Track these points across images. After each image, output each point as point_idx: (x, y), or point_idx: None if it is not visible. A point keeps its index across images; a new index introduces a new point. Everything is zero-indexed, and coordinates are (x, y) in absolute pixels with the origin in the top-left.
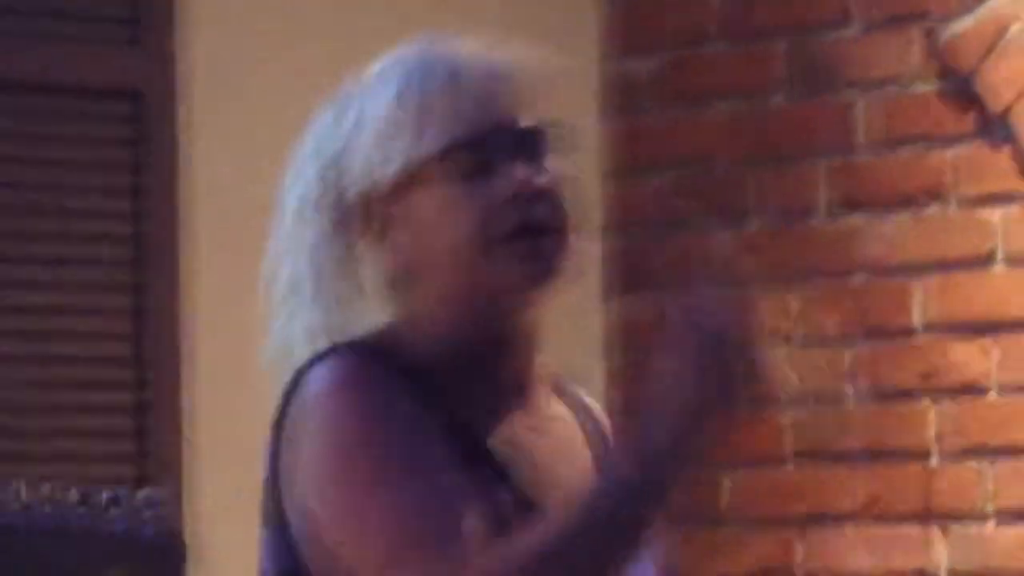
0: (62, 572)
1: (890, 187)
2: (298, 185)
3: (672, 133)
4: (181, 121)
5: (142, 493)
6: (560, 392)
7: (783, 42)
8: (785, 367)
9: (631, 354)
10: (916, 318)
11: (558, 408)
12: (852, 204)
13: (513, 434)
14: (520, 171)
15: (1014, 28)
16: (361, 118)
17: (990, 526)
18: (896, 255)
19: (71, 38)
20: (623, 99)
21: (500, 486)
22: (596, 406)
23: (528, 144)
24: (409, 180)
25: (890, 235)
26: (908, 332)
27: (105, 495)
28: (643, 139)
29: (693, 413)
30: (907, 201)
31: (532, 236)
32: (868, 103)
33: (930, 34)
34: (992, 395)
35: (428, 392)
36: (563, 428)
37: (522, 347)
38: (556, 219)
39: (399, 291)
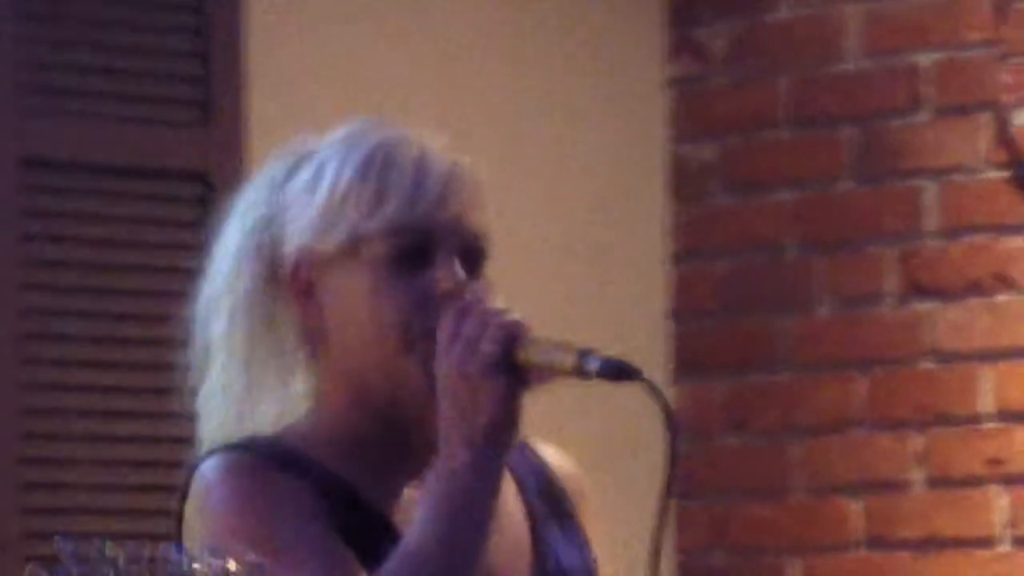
0: None
1: (957, 273)
2: (237, 234)
3: (737, 219)
4: None
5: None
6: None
7: (850, 128)
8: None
9: (696, 440)
10: (983, 406)
11: None
12: (920, 291)
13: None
14: (458, 272)
15: None
16: (316, 180)
17: None
18: (963, 342)
19: (140, 120)
20: (688, 184)
21: (391, 543)
22: (558, 461)
23: (471, 249)
24: (350, 251)
25: (957, 321)
26: (975, 419)
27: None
28: (708, 224)
29: (483, 431)
30: (974, 288)
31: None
32: (936, 190)
33: (999, 122)
34: None
35: (325, 475)
36: None
37: (428, 429)
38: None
39: (312, 356)
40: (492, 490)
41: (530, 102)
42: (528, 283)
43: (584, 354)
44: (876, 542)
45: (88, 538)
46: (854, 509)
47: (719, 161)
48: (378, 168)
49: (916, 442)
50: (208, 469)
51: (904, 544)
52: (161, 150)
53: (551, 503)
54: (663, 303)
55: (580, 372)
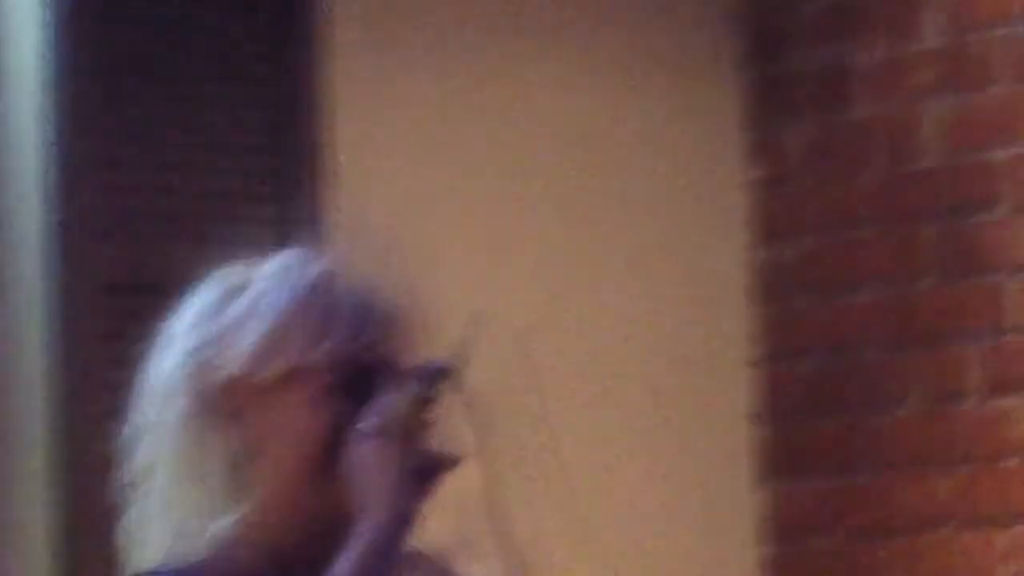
0: None
1: None
2: (171, 358)
3: (821, 318)
4: None
5: None
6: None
7: (931, 225)
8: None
9: (785, 542)
10: None
11: None
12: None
13: None
14: (395, 406)
15: None
16: (256, 307)
17: None
18: None
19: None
20: (771, 285)
21: None
22: None
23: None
24: (286, 381)
25: None
26: None
27: None
28: (792, 325)
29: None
30: None
31: None
32: (1017, 285)
33: None
34: None
35: None
36: None
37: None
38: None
39: (239, 477)
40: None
41: (611, 205)
42: (614, 390)
43: (405, 390)
44: None
45: None
46: None
47: (801, 260)
48: (320, 301)
49: (1003, 538)
50: None
51: None
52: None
53: None
54: (749, 403)
55: (423, 400)
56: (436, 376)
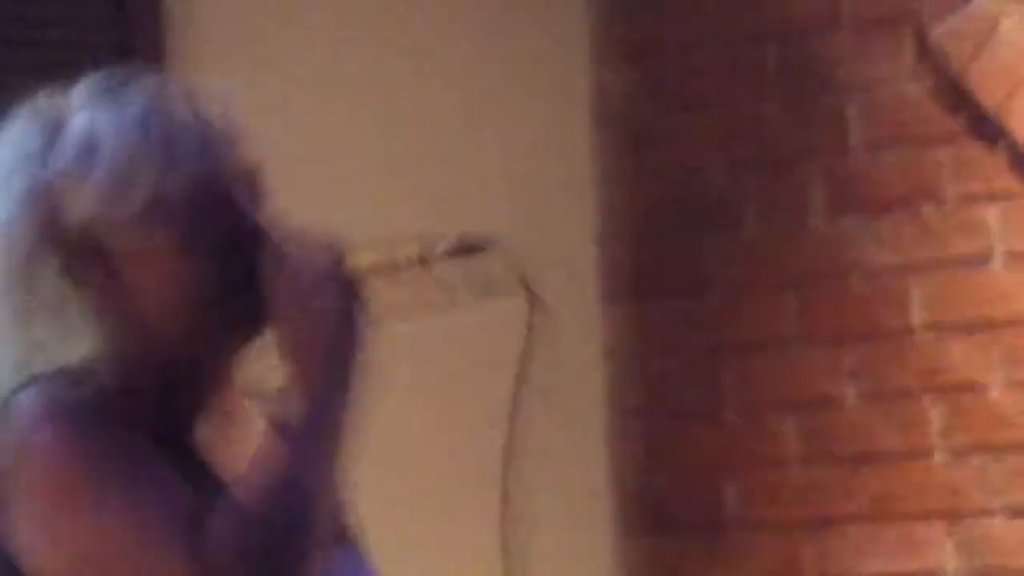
0: None
1: (884, 189)
2: (2, 208)
3: (665, 141)
4: None
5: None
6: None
7: (772, 46)
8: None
9: (631, 362)
10: (914, 319)
11: (251, 411)
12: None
13: (207, 434)
14: (263, 212)
15: (1004, 25)
16: (93, 144)
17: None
18: (892, 257)
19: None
20: (614, 108)
21: (205, 476)
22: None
23: (258, 191)
24: (146, 214)
25: (885, 236)
26: (907, 332)
27: None
28: (635, 148)
29: (329, 344)
30: (901, 202)
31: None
32: (859, 105)
33: (920, 35)
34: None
35: (131, 410)
36: (251, 422)
37: (221, 370)
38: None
39: (109, 318)
40: (340, 402)
41: (446, 27)
42: (468, 213)
43: (426, 242)
44: (812, 459)
45: None
46: (789, 428)
47: (645, 84)
48: (159, 125)
49: (848, 358)
50: (25, 410)
51: (840, 460)
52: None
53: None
54: (593, 225)
55: (423, 258)
56: (468, 247)
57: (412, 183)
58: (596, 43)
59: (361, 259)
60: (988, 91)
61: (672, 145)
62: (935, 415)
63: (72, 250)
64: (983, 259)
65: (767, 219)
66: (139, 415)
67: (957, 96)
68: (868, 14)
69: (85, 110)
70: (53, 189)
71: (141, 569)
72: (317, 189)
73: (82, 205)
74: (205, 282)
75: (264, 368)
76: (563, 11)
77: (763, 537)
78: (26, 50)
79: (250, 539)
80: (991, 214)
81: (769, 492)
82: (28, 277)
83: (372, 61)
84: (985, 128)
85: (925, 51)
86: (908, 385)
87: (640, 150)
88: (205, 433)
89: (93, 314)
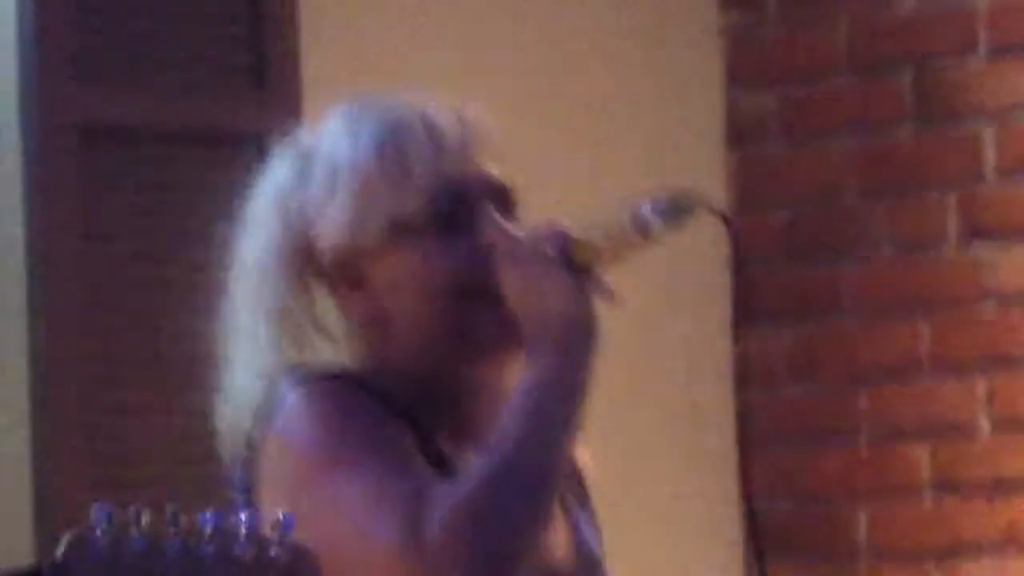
0: None
1: (1018, 215)
2: (259, 236)
3: (798, 166)
4: None
5: (272, 517)
6: None
7: (906, 72)
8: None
9: (760, 389)
10: None
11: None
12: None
13: (459, 445)
14: (500, 218)
15: None
16: (335, 173)
17: None
18: None
19: (195, 86)
20: (748, 133)
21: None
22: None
23: (501, 196)
24: (391, 236)
25: (1020, 263)
26: None
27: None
28: (769, 172)
29: (561, 317)
30: None
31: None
32: (995, 131)
33: None
34: None
35: (400, 415)
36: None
37: (492, 387)
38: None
39: (370, 337)
40: (576, 386)
41: (589, 61)
42: None
43: (635, 210)
44: (944, 486)
45: (126, 505)
46: (922, 454)
47: (777, 109)
48: (394, 149)
49: (981, 384)
50: (296, 397)
51: (973, 487)
52: (217, 115)
53: (572, 486)
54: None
55: (642, 229)
56: (674, 208)
57: (539, 210)
58: (730, 67)
59: (585, 249)
60: None
61: (806, 170)
62: None
63: (328, 272)
64: None
65: (900, 244)
66: (395, 402)
67: None
68: (1004, 39)
69: (329, 142)
70: (306, 217)
71: (367, 540)
72: None
73: (330, 231)
74: (457, 288)
75: None
76: (698, 35)
77: (893, 565)
78: (157, 20)
79: (485, 501)
80: None
81: (900, 520)
82: (288, 297)
83: (510, 83)
84: None
85: None
86: None
87: (774, 174)
88: (455, 445)
89: (353, 328)
